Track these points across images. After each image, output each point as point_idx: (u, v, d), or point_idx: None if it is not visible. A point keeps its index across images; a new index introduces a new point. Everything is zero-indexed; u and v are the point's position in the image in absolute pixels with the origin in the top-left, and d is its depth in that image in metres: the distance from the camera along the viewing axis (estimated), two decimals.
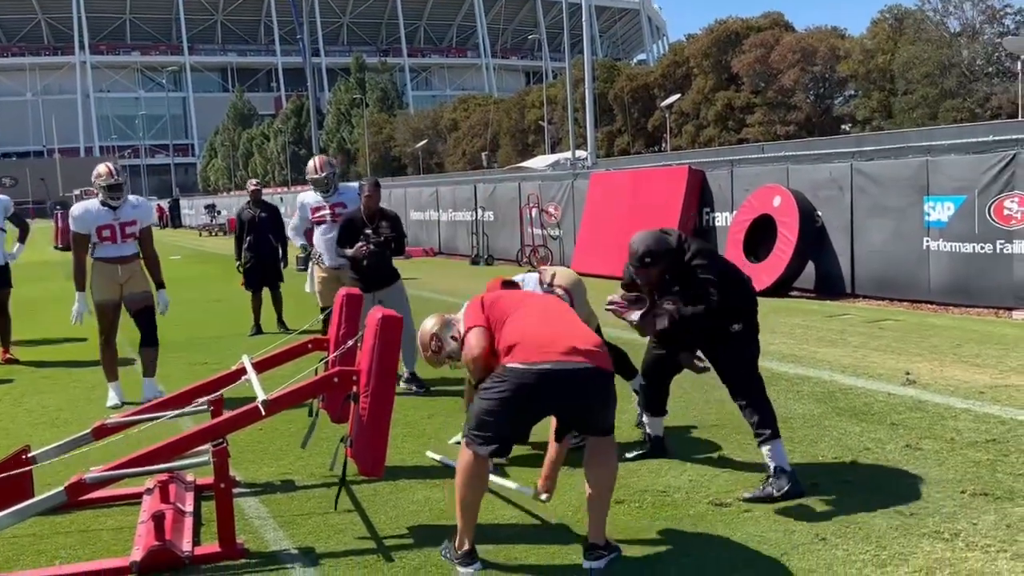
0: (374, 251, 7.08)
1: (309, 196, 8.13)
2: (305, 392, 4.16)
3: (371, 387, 4.01)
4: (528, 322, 3.74)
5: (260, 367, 4.99)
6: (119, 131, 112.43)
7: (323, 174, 8.00)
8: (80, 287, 7.02)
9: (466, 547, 3.68)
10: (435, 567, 3.75)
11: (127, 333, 7.65)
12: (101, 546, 4.18)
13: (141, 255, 7.19)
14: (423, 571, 3.74)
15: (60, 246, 25.17)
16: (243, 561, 3.91)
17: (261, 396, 4.03)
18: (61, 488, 3.76)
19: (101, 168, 7.11)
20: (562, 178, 18.32)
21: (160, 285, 7.24)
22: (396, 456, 5.39)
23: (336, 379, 4.20)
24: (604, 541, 3.71)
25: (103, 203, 7.00)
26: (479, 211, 20.25)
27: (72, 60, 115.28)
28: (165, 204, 55.16)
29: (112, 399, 7.10)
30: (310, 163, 8.18)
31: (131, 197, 7.22)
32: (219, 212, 41.90)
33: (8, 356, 9.38)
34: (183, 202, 57.72)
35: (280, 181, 77.30)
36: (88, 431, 4.57)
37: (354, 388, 4.19)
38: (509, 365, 3.60)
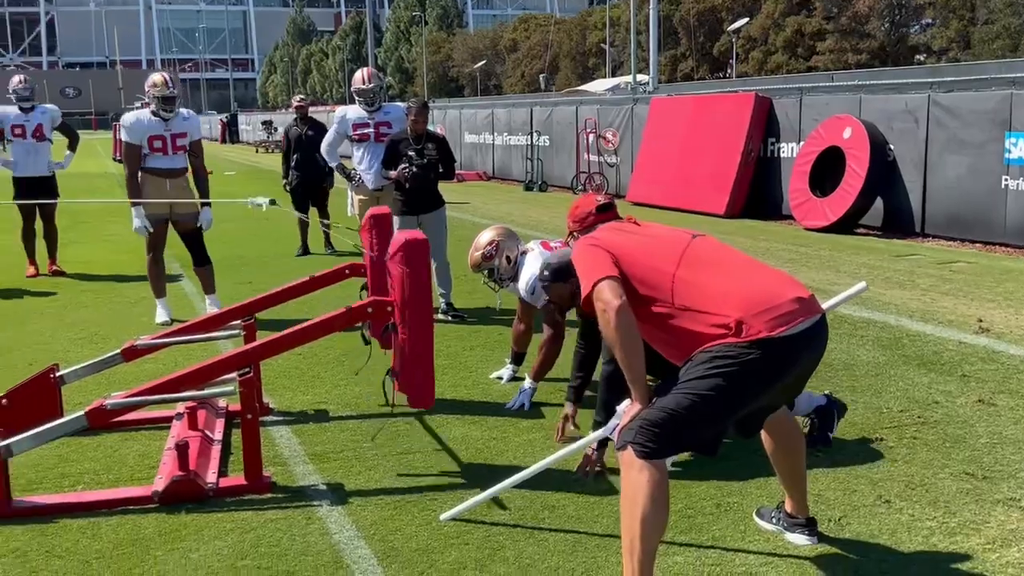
0: (417, 174, 6.80)
1: (352, 111, 7.82)
2: (338, 322, 3.92)
3: (407, 317, 3.78)
4: (717, 279, 2.85)
5: (297, 291, 4.81)
6: (180, 44, 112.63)
7: (370, 85, 7.69)
8: (135, 201, 6.89)
9: None
10: (469, 512, 3.54)
11: (174, 249, 7.52)
12: (126, 472, 4.06)
13: (190, 169, 7.04)
14: (397, 535, 3.52)
15: (118, 158, 25.30)
16: (269, 496, 3.76)
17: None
18: (82, 413, 3.62)
19: (156, 77, 6.93)
20: (622, 103, 17.74)
21: (206, 200, 7.07)
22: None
23: (370, 309, 3.96)
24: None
25: (154, 113, 6.83)
26: (534, 135, 19.78)
27: None
28: (223, 119, 55.28)
29: (161, 316, 7.01)
30: (357, 74, 7.86)
31: (182, 110, 7.02)
32: (275, 128, 41.81)
33: (55, 268, 9.36)
34: (241, 118, 57.75)
35: (337, 99, 76.98)
36: (118, 351, 4.42)
37: (391, 320, 3.96)
38: (735, 342, 2.72)
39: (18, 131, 9.16)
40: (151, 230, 6.84)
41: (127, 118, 6.97)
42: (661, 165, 14.71)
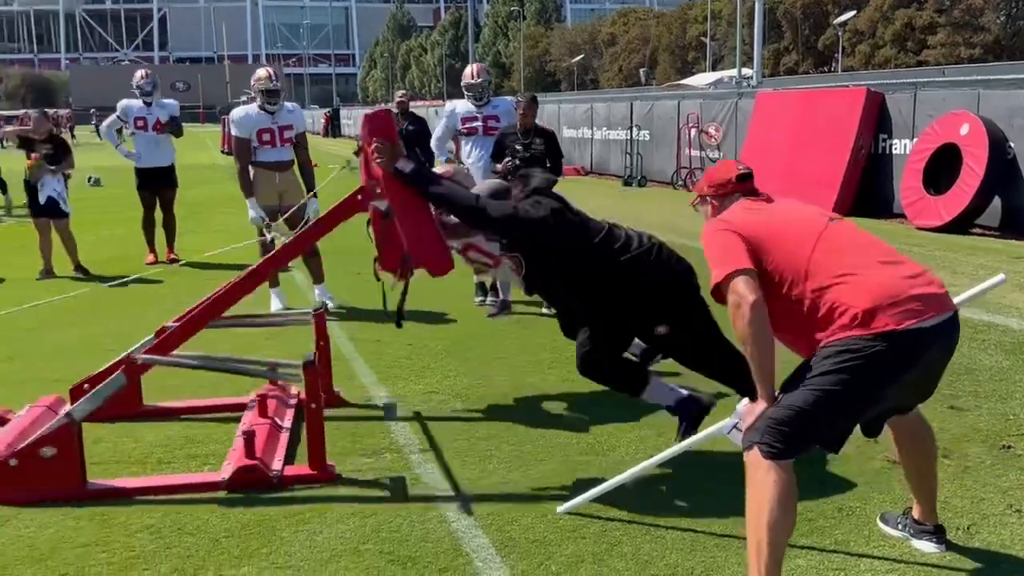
0: (520, 167, 6.84)
1: (460, 105, 7.90)
2: (335, 216, 4.02)
3: (390, 188, 3.83)
4: (850, 266, 2.76)
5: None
6: (284, 39, 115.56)
7: (479, 79, 7.75)
8: (248, 193, 7.12)
9: None
10: (584, 505, 3.55)
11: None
12: (200, 460, 4.19)
13: (296, 162, 7.24)
14: (514, 525, 3.54)
15: (226, 150, 26.11)
16: (386, 484, 3.84)
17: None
18: (120, 372, 3.82)
19: (261, 72, 7.15)
20: (725, 97, 17.47)
21: (312, 191, 7.25)
22: (533, 384, 5.23)
23: (359, 196, 4.01)
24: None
25: (261, 107, 7.04)
26: (634, 130, 19.64)
27: None
28: (326, 113, 56.42)
29: (275, 304, 7.22)
30: (467, 69, 7.94)
31: (286, 103, 7.22)
32: None
33: (172, 256, 9.72)
34: (342, 112, 58.88)
35: (435, 94, 77.79)
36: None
37: (384, 201, 3.95)
38: (860, 335, 2.64)
39: (140, 123, 9.55)
40: (266, 220, 7.05)
41: (236, 113, 7.21)
42: (767, 161, 14.40)
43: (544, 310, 6.87)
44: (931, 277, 2.82)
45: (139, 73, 9.68)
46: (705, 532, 3.36)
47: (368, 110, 4.67)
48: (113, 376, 3.82)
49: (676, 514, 3.51)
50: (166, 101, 9.83)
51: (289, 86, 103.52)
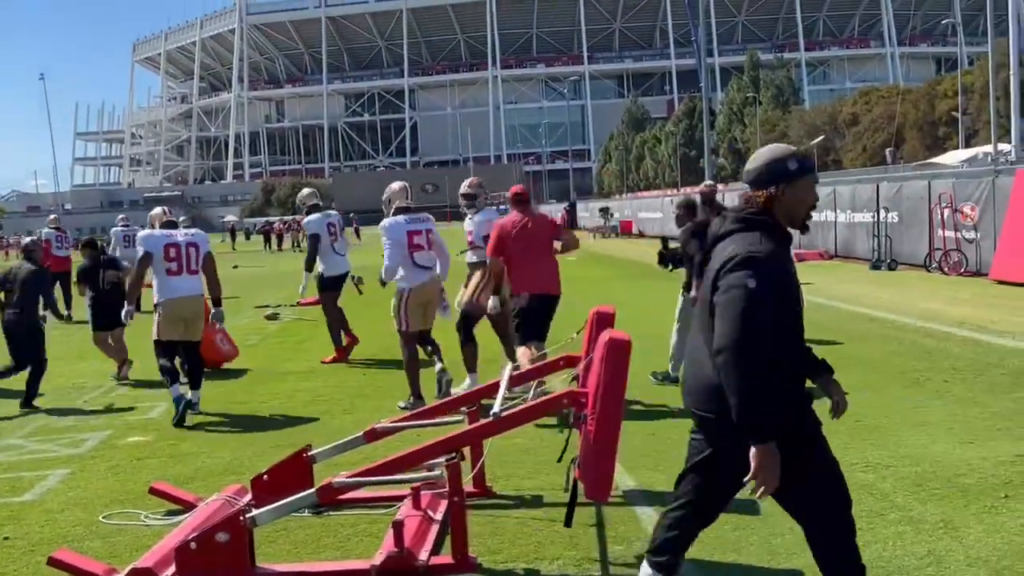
0: None
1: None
2: (535, 411, 4.12)
3: (597, 410, 3.85)
4: None
5: (515, 381, 4.93)
6: (523, 139, 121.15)
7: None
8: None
9: None
10: None
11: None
12: (353, 545, 4.45)
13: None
14: None
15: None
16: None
17: (495, 408, 4.01)
18: (313, 490, 4.02)
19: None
20: (980, 175, 16.51)
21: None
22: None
23: (565, 400, 4.11)
24: None
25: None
26: (882, 211, 18.89)
27: (485, 75, 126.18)
28: (565, 207, 58.19)
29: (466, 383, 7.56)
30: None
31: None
32: (612, 215, 43.34)
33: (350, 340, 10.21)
34: (579, 205, 60.49)
35: (669, 182, 78.24)
36: (360, 434, 4.81)
37: (583, 410, 4.02)
38: None
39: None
40: (499, 309, 7.41)
41: (477, 219, 8.08)
42: None
43: None
44: None
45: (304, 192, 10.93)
46: None
47: (600, 308, 4.74)
48: (304, 494, 4.04)
49: None
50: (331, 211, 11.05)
51: (528, 182, 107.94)
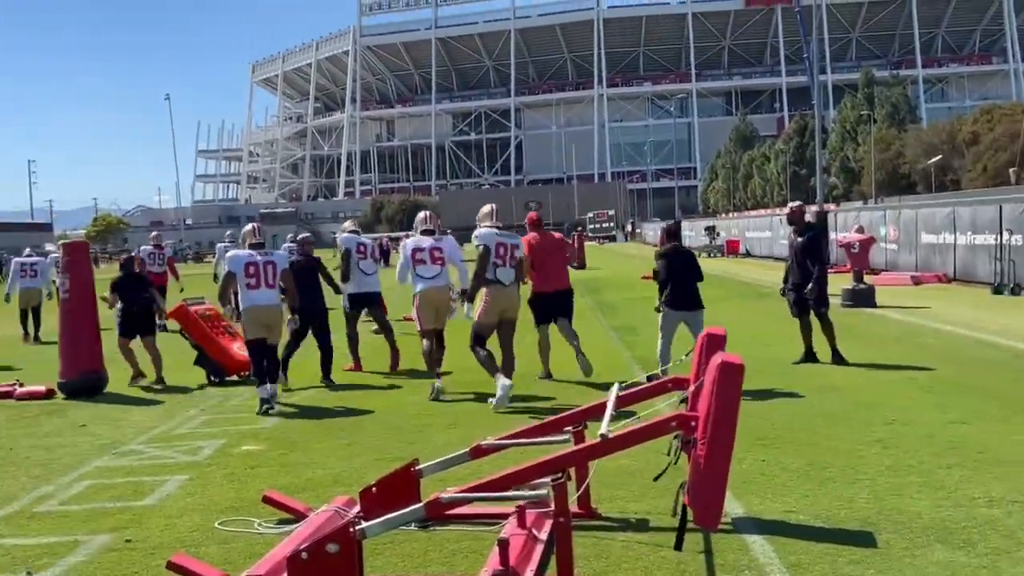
0: None
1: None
2: (643, 434, 4.00)
3: (709, 434, 3.75)
4: None
5: (623, 402, 4.87)
6: (628, 157, 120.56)
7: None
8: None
9: None
10: None
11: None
12: (459, 561, 4.46)
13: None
14: None
15: (576, 265, 27.50)
16: None
17: (603, 430, 3.94)
18: (421, 504, 4.02)
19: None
20: None
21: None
22: (898, 508, 4.94)
23: (674, 423, 4.00)
24: None
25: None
26: (1005, 233, 18.09)
27: (591, 94, 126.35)
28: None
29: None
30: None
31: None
32: (718, 234, 42.71)
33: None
34: (684, 224, 59.82)
35: (778, 201, 76.61)
36: (467, 450, 4.79)
37: (693, 434, 3.93)
38: None
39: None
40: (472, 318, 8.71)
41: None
42: None
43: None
44: None
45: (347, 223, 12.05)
46: None
47: (711, 330, 4.64)
48: (412, 508, 4.05)
49: None
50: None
51: (632, 200, 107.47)
